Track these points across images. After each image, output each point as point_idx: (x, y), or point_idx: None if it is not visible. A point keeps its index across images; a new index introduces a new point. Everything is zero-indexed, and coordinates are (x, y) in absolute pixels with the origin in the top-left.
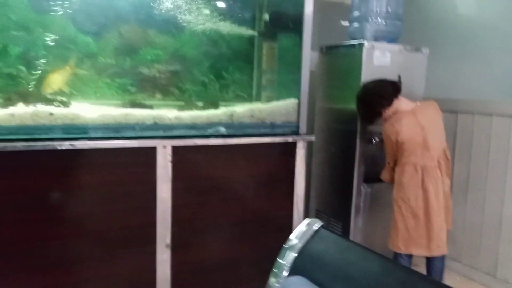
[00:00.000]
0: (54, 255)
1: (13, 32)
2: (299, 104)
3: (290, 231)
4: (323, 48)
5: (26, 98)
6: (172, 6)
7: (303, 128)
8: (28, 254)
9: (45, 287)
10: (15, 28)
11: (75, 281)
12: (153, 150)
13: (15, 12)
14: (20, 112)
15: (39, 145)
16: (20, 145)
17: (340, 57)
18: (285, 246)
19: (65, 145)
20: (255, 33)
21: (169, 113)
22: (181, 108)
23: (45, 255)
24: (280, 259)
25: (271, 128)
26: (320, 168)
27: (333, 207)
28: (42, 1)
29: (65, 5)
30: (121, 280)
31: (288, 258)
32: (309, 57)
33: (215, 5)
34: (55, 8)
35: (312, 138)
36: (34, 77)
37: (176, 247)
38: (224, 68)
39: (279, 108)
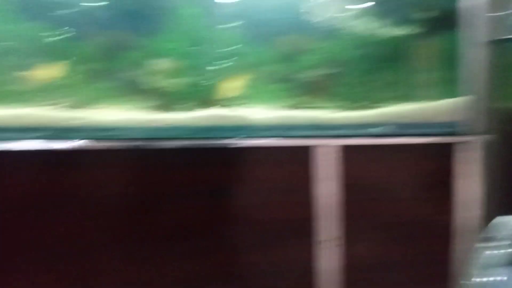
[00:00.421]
0: (222, 238)
1: (195, 47)
2: (463, 103)
3: (454, 237)
4: (489, 43)
5: (206, 103)
6: (329, 13)
7: (469, 128)
8: (201, 236)
9: (216, 266)
10: (197, 43)
11: (242, 262)
12: (316, 148)
13: (196, 29)
14: (201, 115)
15: (217, 143)
16: (198, 143)
17: (510, 51)
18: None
19: (237, 143)
20: (411, 31)
21: (329, 114)
22: (340, 109)
23: (215, 237)
24: (494, 256)
25: (432, 128)
26: (488, 172)
27: (504, 214)
28: (218, 19)
29: (237, 21)
30: (282, 267)
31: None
32: (473, 53)
33: (371, 7)
34: (228, 23)
35: (482, 138)
36: (211, 84)
37: (338, 242)
38: (381, 68)
39: (441, 107)
